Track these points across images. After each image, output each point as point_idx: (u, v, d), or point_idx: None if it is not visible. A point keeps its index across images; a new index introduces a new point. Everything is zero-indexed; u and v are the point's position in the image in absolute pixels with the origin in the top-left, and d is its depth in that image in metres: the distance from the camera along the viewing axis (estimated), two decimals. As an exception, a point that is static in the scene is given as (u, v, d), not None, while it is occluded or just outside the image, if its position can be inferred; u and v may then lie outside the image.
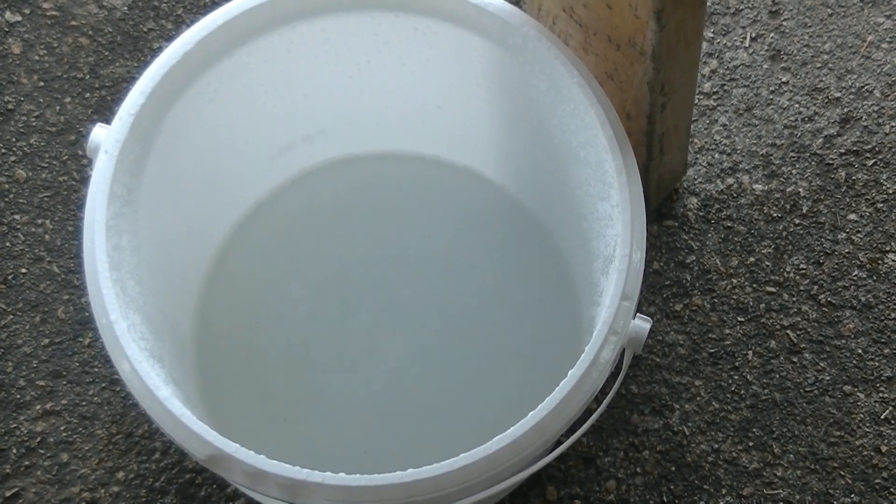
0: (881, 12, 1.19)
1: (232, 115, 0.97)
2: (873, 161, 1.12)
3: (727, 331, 1.06)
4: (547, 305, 1.04)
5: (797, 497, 1.00)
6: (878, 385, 1.04)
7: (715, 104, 1.15)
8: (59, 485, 1.01)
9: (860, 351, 1.05)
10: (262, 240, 1.06)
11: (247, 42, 0.92)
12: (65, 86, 1.16)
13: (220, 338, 1.02)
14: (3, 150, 1.13)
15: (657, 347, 1.05)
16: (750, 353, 1.05)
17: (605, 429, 1.03)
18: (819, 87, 1.16)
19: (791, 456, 1.02)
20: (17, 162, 1.12)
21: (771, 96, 1.15)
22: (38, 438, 1.02)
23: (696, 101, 1.14)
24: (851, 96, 1.15)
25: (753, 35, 1.18)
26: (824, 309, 1.07)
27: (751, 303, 1.07)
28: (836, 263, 1.09)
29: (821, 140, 1.13)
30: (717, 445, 1.02)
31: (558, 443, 0.84)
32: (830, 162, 1.12)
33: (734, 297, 1.07)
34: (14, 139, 1.13)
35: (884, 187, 1.11)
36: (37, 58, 1.17)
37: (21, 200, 1.11)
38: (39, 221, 1.10)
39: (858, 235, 1.10)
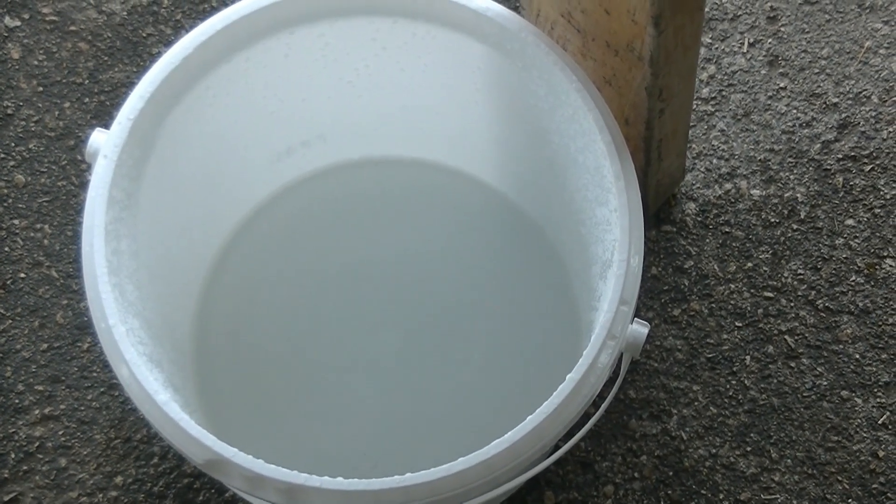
0: (879, 18, 1.19)
1: (231, 119, 0.97)
2: (871, 166, 1.13)
3: (725, 336, 1.06)
4: (545, 310, 1.04)
5: (795, 502, 1.00)
6: (875, 390, 1.04)
7: (713, 109, 1.15)
8: (57, 489, 1.01)
9: (858, 356, 1.05)
10: (261, 245, 1.06)
11: (246, 47, 0.92)
12: (64, 91, 1.16)
13: (218, 342, 1.02)
14: (3, 155, 1.13)
15: (655, 352, 1.06)
16: (748, 358, 1.05)
17: (603, 434, 1.03)
18: (817, 92, 1.16)
19: (789, 461, 1.02)
20: (17, 167, 1.12)
21: (769, 102, 1.15)
22: (37, 443, 1.02)
23: (695, 106, 1.15)
24: (849, 102, 1.15)
25: (751, 40, 1.18)
26: (822, 314, 1.07)
27: (749, 308, 1.07)
28: (834, 269, 1.09)
29: (819, 145, 1.14)
30: (714, 450, 1.02)
31: (556, 447, 0.84)
32: (828, 167, 1.13)
33: (732, 302, 1.07)
34: (13, 144, 1.13)
35: (881, 193, 1.11)
36: (36, 63, 1.17)
37: (20, 205, 1.11)
38: (38, 226, 1.10)
39: (856, 241, 1.10)
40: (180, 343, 0.98)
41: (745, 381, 1.05)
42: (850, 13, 1.19)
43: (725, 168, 1.13)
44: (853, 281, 1.08)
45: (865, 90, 1.16)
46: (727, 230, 1.10)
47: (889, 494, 1.01)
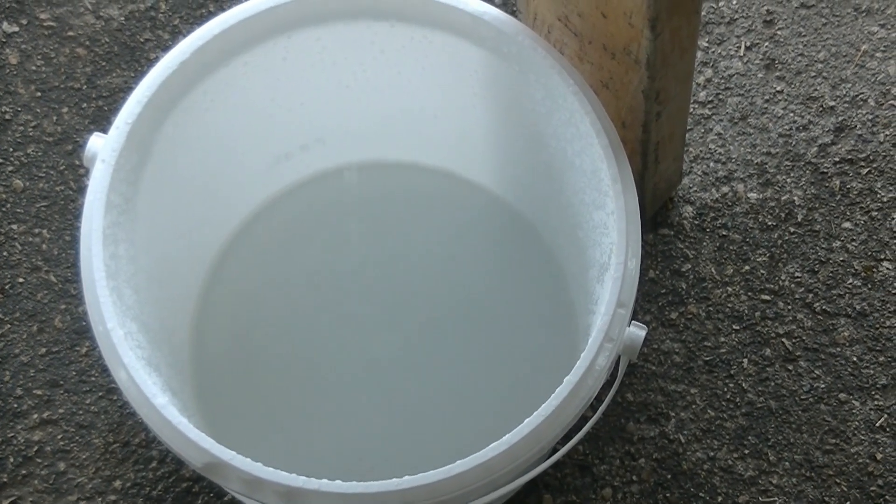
0: (875, 21, 1.19)
1: (229, 124, 0.97)
2: (868, 169, 1.13)
3: (722, 339, 1.06)
4: (543, 314, 1.04)
5: (793, 504, 1.01)
6: (872, 393, 1.04)
7: (710, 113, 1.15)
8: (56, 494, 1.01)
9: (855, 359, 1.06)
10: (260, 249, 1.07)
11: (243, 51, 0.92)
12: (62, 96, 1.16)
13: (217, 346, 1.02)
14: (1, 161, 1.13)
15: (653, 356, 1.06)
16: (745, 361, 1.06)
17: (601, 437, 1.03)
18: (813, 95, 1.16)
19: (786, 464, 1.02)
20: (15, 172, 1.12)
21: (765, 105, 1.16)
22: (35, 447, 1.02)
23: (691, 110, 1.15)
24: (846, 105, 1.16)
25: (748, 44, 1.18)
26: (819, 317, 1.07)
27: (746, 311, 1.07)
28: (831, 272, 1.09)
29: (815, 149, 1.14)
30: (712, 453, 1.02)
31: (554, 450, 0.85)
32: (825, 170, 1.13)
33: (729, 305, 1.08)
34: (11, 149, 1.13)
35: (878, 195, 1.12)
36: (34, 68, 1.17)
37: (18, 210, 1.11)
38: (37, 231, 1.10)
39: (853, 244, 1.10)
40: (178, 347, 0.98)
41: (743, 384, 1.05)
42: (847, 17, 1.20)
43: (722, 171, 1.13)
44: (850, 284, 1.08)
45: (862, 93, 1.16)
46: (724, 233, 1.10)
47: (887, 497, 1.01)
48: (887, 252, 1.09)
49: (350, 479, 0.75)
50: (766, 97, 1.16)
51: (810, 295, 1.08)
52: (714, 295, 1.08)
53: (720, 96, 1.16)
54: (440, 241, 1.07)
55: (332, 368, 1.02)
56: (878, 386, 1.05)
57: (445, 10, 0.91)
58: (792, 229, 1.11)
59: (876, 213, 1.11)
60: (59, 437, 1.03)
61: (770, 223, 1.11)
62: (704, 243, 1.10)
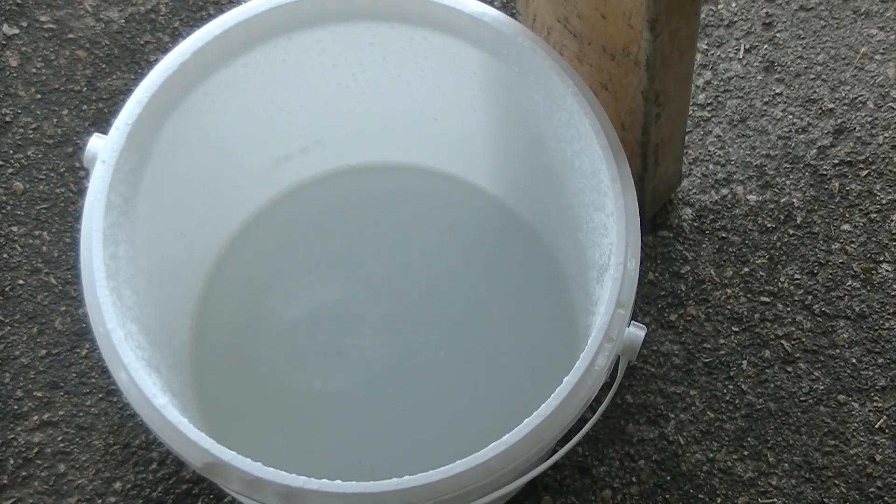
0: (874, 24, 1.19)
1: (229, 125, 0.97)
2: (867, 172, 1.13)
3: (722, 341, 1.06)
4: (543, 314, 1.04)
5: (792, 506, 1.01)
6: (872, 394, 1.05)
7: (709, 115, 1.16)
8: (56, 495, 1.01)
9: (854, 360, 1.06)
10: (259, 250, 1.07)
11: (243, 53, 0.93)
12: (62, 98, 1.16)
13: (217, 347, 1.02)
14: (1, 163, 1.13)
15: (652, 357, 1.06)
16: (744, 362, 1.06)
17: (600, 438, 1.03)
18: (813, 98, 1.16)
19: (786, 465, 1.02)
20: (15, 174, 1.13)
21: (765, 107, 1.16)
22: (36, 449, 1.02)
23: (691, 112, 1.15)
24: (845, 107, 1.16)
25: (747, 46, 1.19)
26: (818, 319, 1.07)
27: (745, 313, 1.07)
28: (830, 274, 1.09)
29: (814, 151, 1.14)
30: (712, 455, 1.02)
31: (554, 451, 0.85)
32: (824, 173, 1.13)
33: (729, 307, 1.08)
34: (11, 151, 1.13)
35: (877, 198, 1.12)
36: (34, 70, 1.17)
37: (18, 212, 1.11)
38: (37, 233, 1.10)
39: (852, 246, 1.10)
40: (178, 348, 0.99)
41: (742, 386, 1.05)
42: (846, 19, 1.20)
43: (722, 173, 1.13)
44: (849, 285, 1.09)
45: (861, 96, 1.16)
46: (724, 235, 1.11)
47: (886, 498, 1.01)
48: (886, 254, 1.10)
49: (350, 479, 0.75)
50: (766, 99, 1.16)
51: (809, 297, 1.08)
52: (713, 297, 1.08)
53: (719, 98, 1.16)
54: (440, 243, 1.07)
55: (332, 369, 1.02)
56: (877, 387, 1.05)
57: (445, 12, 0.91)
58: (791, 231, 1.11)
59: (875, 215, 1.11)
60: (60, 438, 1.03)
61: (769, 225, 1.11)
62: (704, 245, 1.10)
